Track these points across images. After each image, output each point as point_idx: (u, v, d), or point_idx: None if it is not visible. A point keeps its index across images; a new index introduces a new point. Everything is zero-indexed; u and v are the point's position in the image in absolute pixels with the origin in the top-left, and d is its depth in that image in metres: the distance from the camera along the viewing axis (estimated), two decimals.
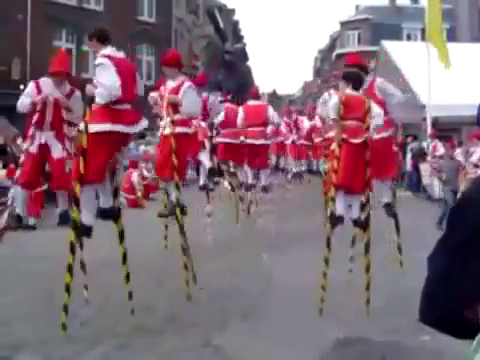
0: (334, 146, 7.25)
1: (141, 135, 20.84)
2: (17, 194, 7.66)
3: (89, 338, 5.87)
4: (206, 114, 11.01)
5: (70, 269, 6.02)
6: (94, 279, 7.70)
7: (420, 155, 21.25)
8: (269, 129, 12.62)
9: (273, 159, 18.30)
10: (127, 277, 6.27)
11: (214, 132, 14.92)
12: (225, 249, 10.09)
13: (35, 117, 7.51)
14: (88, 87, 6.01)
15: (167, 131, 7.59)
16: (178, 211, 7.59)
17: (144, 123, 6.50)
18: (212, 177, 10.78)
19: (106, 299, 7.01)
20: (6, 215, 7.82)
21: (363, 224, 7.25)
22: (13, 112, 8.17)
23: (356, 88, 7.45)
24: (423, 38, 30.30)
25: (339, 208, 7.35)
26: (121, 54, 6.37)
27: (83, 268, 6.82)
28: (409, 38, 49.55)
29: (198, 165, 11.85)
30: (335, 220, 7.19)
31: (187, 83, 7.90)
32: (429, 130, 21.45)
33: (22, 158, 7.68)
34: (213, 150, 12.70)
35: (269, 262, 9.37)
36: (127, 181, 16.36)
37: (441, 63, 20.82)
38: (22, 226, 7.87)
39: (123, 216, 6.65)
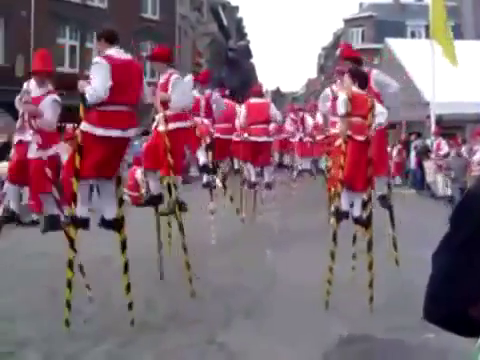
0: (340, 142, 7.25)
1: (146, 132, 20.83)
2: (8, 189, 7.61)
3: (93, 335, 5.88)
4: (209, 111, 11.00)
5: (71, 265, 6.06)
6: (97, 276, 7.72)
7: (424, 153, 21.22)
8: (272, 126, 12.60)
9: (276, 156, 18.25)
10: (128, 288, 6.24)
11: None
12: (229, 246, 10.10)
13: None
14: (80, 83, 5.97)
15: (161, 128, 7.59)
16: (177, 208, 7.60)
17: (138, 129, 6.48)
18: (206, 174, 10.73)
19: (109, 296, 7.02)
20: (1, 210, 7.74)
21: (365, 222, 7.24)
22: (17, 109, 8.13)
23: (362, 87, 7.45)
24: (427, 35, 30.25)
25: (344, 204, 7.36)
26: (127, 55, 6.29)
27: (81, 270, 6.86)
28: (413, 35, 49.43)
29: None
30: (340, 215, 7.21)
31: (174, 75, 7.84)
32: (433, 128, 21.41)
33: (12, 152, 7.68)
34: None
35: (272, 259, 9.38)
36: (131, 178, 16.30)
37: (447, 60, 20.74)
38: (14, 220, 7.70)
39: (127, 213, 6.65)
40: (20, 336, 5.82)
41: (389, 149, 28.76)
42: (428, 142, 21.74)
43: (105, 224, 6.43)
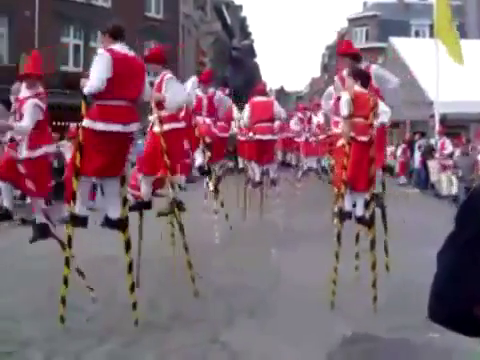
0: (343, 142, 7.24)
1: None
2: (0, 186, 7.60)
3: (96, 334, 5.88)
4: (212, 110, 10.98)
5: (67, 262, 6.13)
6: (100, 275, 7.73)
7: (429, 152, 21.20)
8: (276, 124, 12.60)
9: (279, 155, 18.23)
10: (132, 287, 6.24)
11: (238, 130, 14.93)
12: (232, 246, 10.10)
13: None
14: (82, 80, 5.97)
15: (156, 129, 7.59)
16: (176, 208, 7.59)
17: (138, 124, 6.49)
18: (202, 176, 10.72)
19: (113, 296, 7.02)
20: None
21: (368, 222, 7.23)
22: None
23: (364, 86, 7.43)
24: (431, 35, 30.21)
25: (347, 204, 7.36)
26: (131, 52, 6.28)
27: (81, 274, 6.88)
28: (417, 35, 49.41)
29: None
30: (343, 216, 7.21)
31: (167, 75, 7.86)
32: (437, 127, 21.38)
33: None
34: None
35: (276, 259, 9.37)
36: (134, 178, 16.29)
37: (452, 59, 20.70)
38: (7, 218, 7.65)
39: (130, 213, 6.66)
40: (23, 335, 5.82)
41: (393, 148, 28.90)
42: (432, 141, 21.71)
43: (109, 224, 6.43)
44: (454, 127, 23.32)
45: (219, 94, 11.39)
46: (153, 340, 5.82)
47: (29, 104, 7.14)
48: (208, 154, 10.12)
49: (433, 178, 20.46)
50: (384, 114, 7.60)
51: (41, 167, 7.37)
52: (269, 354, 5.58)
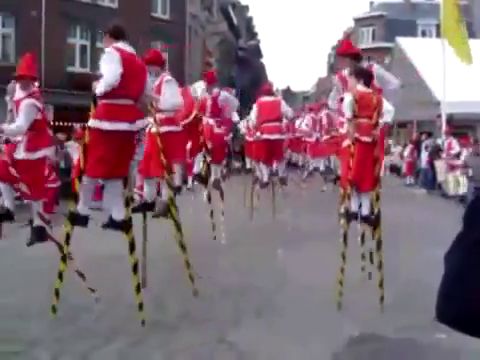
0: (348, 143, 7.23)
1: None
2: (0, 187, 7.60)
3: (103, 334, 5.89)
4: (216, 111, 10.95)
5: (64, 258, 6.32)
6: (107, 275, 7.75)
7: (436, 152, 21.16)
8: (284, 123, 12.60)
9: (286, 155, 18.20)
10: (138, 288, 6.25)
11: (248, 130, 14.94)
12: (239, 246, 10.10)
13: None
14: (94, 83, 5.98)
15: (153, 130, 7.61)
16: (173, 209, 7.58)
17: (145, 121, 6.52)
18: (199, 183, 10.70)
19: (119, 295, 7.03)
20: None
21: (373, 221, 7.22)
22: None
23: (367, 84, 7.40)
24: (438, 34, 30.14)
25: (353, 205, 7.36)
26: (132, 50, 6.34)
27: (82, 276, 6.92)
28: (424, 34, 49.31)
29: (208, 164, 11.88)
30: (349, 216, 7.20)
31: (167, 77, 8.02)
32: (444, 127, 21.33)
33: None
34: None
35: (283, 259, 9.36)
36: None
37: (460, 59, 20.63)
38: (8, 218, 7.64)
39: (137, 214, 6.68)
40: (30, 335, 5.84)
41: (400, 148, 28.84)
42: (439, 141, 21.67)
43: (113, 225, 6.44)
44: (461, 127, 23.26)
45: (224, 94, 11.35)
46: (160, 340, 5.82)
47: (24, 104, 7.13)
48: (209, 159, 10.15)
49: (440, 178, 20.42)
50: (388, 113, 7.59)
51: (38, 169, 7.39)
52: (276, 354, 5.58)
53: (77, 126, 18.18)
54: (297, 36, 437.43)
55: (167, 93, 7.78)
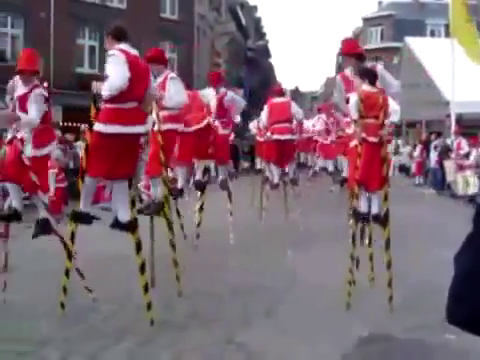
0: (355, 143, 7.22)
1: None
2: (7, 187, 7.61)
3: (112, 334, 5.90)
4: (222, 111, 10.87)
5: (69, 256, 6.42)
6: (116, 274, 7.77)
7: (445, 152, 21.10)
8: (294, 124, 12.57)
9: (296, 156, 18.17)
10: (145, 288, 6.25)
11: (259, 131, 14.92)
12: (248, 246, 10.09)
13: None
14: (93, 83, 5.95)
15: (155, 128, 7.61)
16: (166, 207, 7.60)
17: (149, 124, 6.54)
18: (198, 190, 10.69)
19: (128, 295, 7.04)
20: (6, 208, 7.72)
21: (383, 220, 7.20)
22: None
23: (372, 84, 7.38)
24: (447, 34, 30.09)
25: (363, 205, 7.35)
26: (135, 52, 6.29)
27: (81, 275, 6.95)
28: (433, 34, 49.22)
29: (216, 164, 11.90)
30: (358, 217, 7.20)
31: (171, 74, 8.07)
32: (453, 127, 21.27)
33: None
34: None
35: (292, 259, 9.36)
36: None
37: (470, 59, 20.55)
38: (16, 218, 7.64)
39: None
40: (39, 335, 5.85)
41: (410, 148, 28.77)
42: (448, 141, 21.60)
43: (119, 226, 6.45)
44: (470, 127, 23.18)
45: (231, 94, 11.24)
46: (169, 340, 5.83)
47: (33, 95, 7.10)
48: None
49: (449, 178, 20.36)
50: (394, 113, 7.57)
51: (44, 165, 7.48)
52: (285, 354, 5.57)
53: (85, 127, 18.23)
54: (305, 36, 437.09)
55: (172, 90, 7.79)
